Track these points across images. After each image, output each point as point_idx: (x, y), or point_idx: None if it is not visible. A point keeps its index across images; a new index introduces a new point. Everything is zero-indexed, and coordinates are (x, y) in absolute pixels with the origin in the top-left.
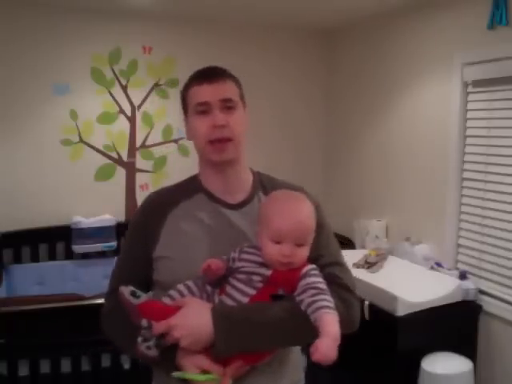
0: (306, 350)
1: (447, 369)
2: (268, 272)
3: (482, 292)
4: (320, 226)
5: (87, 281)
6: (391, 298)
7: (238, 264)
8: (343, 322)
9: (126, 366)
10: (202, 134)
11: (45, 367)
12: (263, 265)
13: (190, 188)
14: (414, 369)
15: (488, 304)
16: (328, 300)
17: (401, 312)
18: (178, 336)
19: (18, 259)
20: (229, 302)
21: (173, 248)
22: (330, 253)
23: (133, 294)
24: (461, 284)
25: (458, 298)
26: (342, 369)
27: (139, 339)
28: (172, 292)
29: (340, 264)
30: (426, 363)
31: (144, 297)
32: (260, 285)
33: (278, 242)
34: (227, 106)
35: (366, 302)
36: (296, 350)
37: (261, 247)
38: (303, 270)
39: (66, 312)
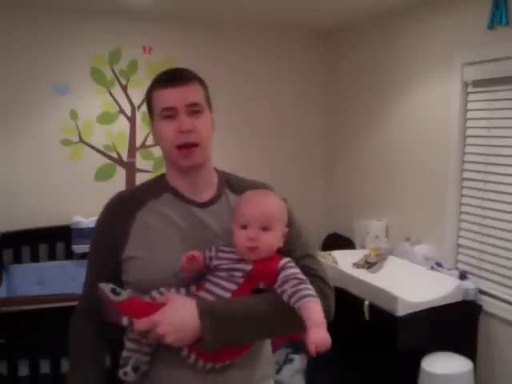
0: (305, 351)
1: (447, 369)
2: (248, 267)
3: (482, 292)
4: (289, 221)
5: None
6: (391, 298)
7: (216, 262)
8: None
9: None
10: (168, 138)
11: (45, 367)
12: (241, 261)
13: (156, 187)
14: (414, 369)
15: (488, 304)
16: (310, 289)
17: (401, 312)
18: (162, 333)
19: (18, 259)
20: (210, 298)
21: (143, 247)
22: (302, 246)
23: (113, 291)
24: (461, 284)
25: (458, 298)
26: (342, 368)
27: (121, 362)
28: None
29: (312, 256)
30: (426, 363)
31: (125, 294)
32: (241, 280)
33: (245, 227)
34: (194, 110)
35: (366, 302)
36: (267, 344)
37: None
38: (280, 263)
39: (66, 312)
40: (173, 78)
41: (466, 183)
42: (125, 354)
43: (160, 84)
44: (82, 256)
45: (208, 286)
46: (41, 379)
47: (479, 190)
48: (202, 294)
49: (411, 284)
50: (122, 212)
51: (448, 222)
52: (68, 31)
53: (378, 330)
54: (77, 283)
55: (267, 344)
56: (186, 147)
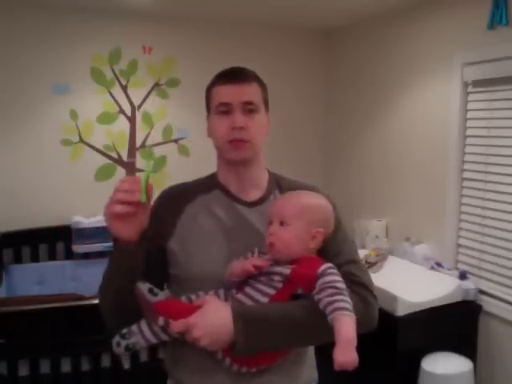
0: (316, 351)
1: (447, 369)
2: (287, 271)
3: (482, 292)
4: (336, 225)
5: (87, 281)
6: (391, 298)
7: None
8: (362, 321)
9: (127, 365)
10: (221, 133)
11: (45, 367)
12: (280, 263)
13: (207, 184)
14: (414, 369)
15: (488, 304)
16: (346, 301)
17: (401, 312)
18: (198, 336)
19: (18, 259)
20: (248, 302)
21: (188, 242)
22: (347, 251)
23: (150, 291)
24: (461, 284)
25: (458, 298)
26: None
27: (119, 333)
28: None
29: (357, 262)
30: (426, 363)
31: (162, 294)
32: (280, 285)
33: (270, 223)
34: (249, 108)
35: None
36: (311, 350)
37: None
38: (320, 269)
39: (65, 312)
40: (233, 75)
41: (465, 183)
42: (134, 328)
43: (220, 80)
44: (83, 256)
45: (247, 289)
46: (41, 379)
47: (479, 190)
48: (241, 297)
49: (411, 284)
50: (172, 202)
51: (448, 222)
52: (68, 31)
53: (378, 330)
54: (77, 283)
55: (310, 350)
56: (237, 141)
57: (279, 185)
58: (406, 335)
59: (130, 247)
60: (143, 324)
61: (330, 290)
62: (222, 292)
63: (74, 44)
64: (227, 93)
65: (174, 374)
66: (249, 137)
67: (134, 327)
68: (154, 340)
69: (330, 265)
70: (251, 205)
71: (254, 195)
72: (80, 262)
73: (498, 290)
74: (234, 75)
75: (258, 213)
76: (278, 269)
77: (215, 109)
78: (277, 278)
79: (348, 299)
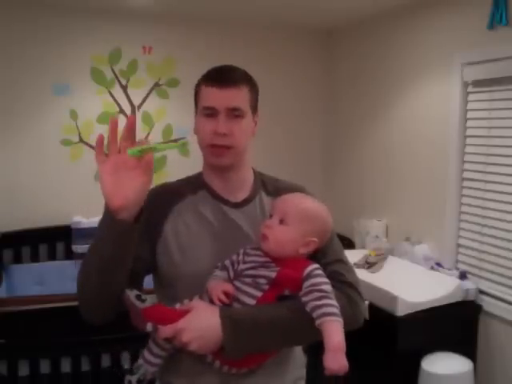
0: (307, 349)
1: (447, 369)
2: (273, 274)
3: (482, 292)
4: None
5: None
6: (391, 298)
7: (243, 266)
8: (348, 320)
9: (126, 366)
10: (204, 136)
11: (45, 367)
12: (266, 265)
13: (194, 184)
14: (414, 369)
15: (488, 304)
16: (332, 305)
17: (401, 312)
18: (186, 340)
19: (18, 259)
20: (235, 304)
21: (175, 243)
22: (333, 251)
23: (138, 297)
24: (461, 284)
25: (458, 298)
26: None
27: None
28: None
29: (343, 262)
30: (425, 363)
31: (149, 301)
32: (266, 287)
33: (271, 217)
34: (234, 114)
35: (366, 302)
36: (298, 349)
37: None
38: (306, 270)
39: (65, 312)
40: (221, 78)
41: (465, 183)
42: (139, 361)
43: (208, 81)
44: (83, 256)
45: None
46: (41, 379)
47: (479, 190)
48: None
49: (411, 284)
50: (159, 203)
51: (448, 222)
52: (68, 31)
53: (377, 330)
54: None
55: (297, 349)
56: (219, 147)
57: (265, 185)
58: (406, 335)
59: (121, 217)
60: (146, 353)
61: (317, 294)
62: (207, 296)
63: (74, 44)
64: (213, 97)
65: (163, 376)
66: (232, 143)
67: (140, 360)
68: (159, 361)
69: (315, 266)
70: (237, 206)
71: (240, 196)
72: (80, 262)
73: (498, 290)
74: (222, 78)
75: (243, 214)
76: (264, 272)
77: (201, 110)
78: (262, 280)
79: (335, 302)
